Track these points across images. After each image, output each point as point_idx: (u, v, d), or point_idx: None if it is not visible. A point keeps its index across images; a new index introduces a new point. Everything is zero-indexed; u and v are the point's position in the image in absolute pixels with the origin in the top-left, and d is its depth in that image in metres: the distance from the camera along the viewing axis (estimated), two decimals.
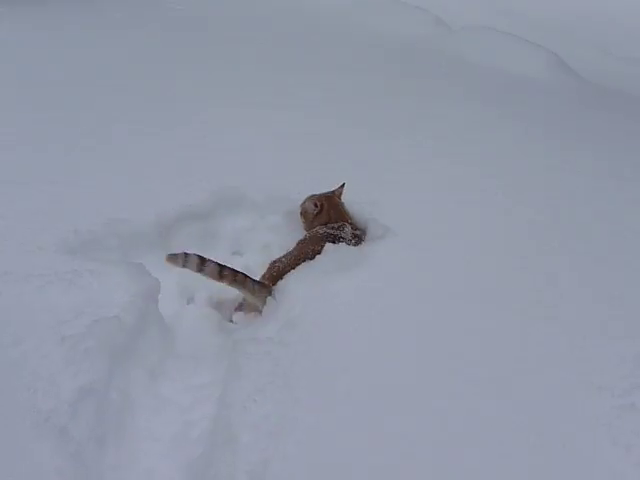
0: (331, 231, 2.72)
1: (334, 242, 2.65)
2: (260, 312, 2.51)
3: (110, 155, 3.22)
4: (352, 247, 2.66)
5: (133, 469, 1.94)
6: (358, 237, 2.77)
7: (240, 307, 2.63)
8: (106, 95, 3.99)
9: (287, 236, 2.87)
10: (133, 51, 4.84)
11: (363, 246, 2.67)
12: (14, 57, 4.58)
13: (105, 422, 1.96)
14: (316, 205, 2.83)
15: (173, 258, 2.41)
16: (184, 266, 2.41)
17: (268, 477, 1.77)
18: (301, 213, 2.90)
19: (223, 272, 2.43)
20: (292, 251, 2.70)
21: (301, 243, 2.73)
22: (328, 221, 2.83)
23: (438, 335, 2.25)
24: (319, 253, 2.60)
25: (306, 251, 2.64)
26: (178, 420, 2.11)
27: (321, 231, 2.73)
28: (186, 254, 2.42)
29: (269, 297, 2.49)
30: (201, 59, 4.66)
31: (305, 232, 2.87)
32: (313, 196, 2.87)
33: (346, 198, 2.87)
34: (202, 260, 2.41)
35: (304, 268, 2.55)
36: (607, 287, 2.51)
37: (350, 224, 2.83)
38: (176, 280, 2.64)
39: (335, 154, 3.23)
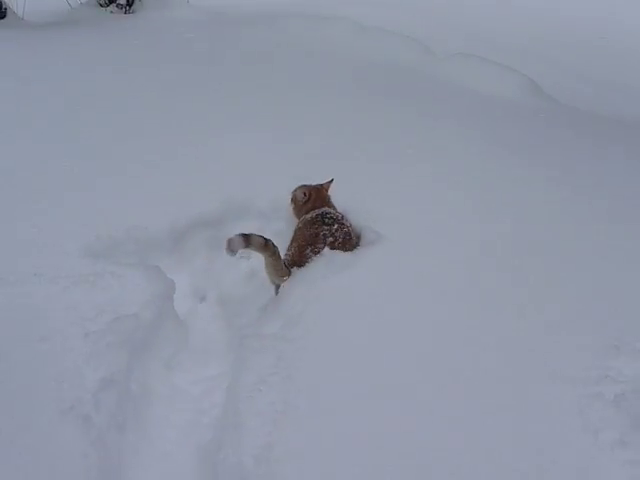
0: (319, 212, 2.75)
1: (324, 222, 2.67)
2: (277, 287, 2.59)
3: (128, 169, 3.27)
4: (347, 251, 2.66)
5: (150, 453, 1.99)
6: (346, 229, 2.73)
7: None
8: (124, 114, 4.03)
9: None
10: (149, 74, 4.87)
11: (358, 250, 2.68)
12: (44, 77, 4.62)
13: (125, 410, 2.02)
14: (305, 194, 2.87)
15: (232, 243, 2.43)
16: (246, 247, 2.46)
17: (272, 459, 1.82)
18: (291, 200, 2.93)
19: (267, 244, 2.49)
20: (294, 240, 2.71)
21: (298, 231, 2.74)
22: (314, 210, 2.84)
23: (425, 331, 2.28)
24: (317, 235, 2.63)
25: (305, 235, 2.66)
26: (191, 408, 2.16)
27: (308, 216, 2.75)
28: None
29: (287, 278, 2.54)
30: (212, 85, 4.68)
31: (295, 219, 2.90)
32: (304, 186, 2.92)
33: (342, 207, 2.88)
34: (246, 237, 2.45)
35: (304, 270, 2.56)
36: (577, 282, 2.53)
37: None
38: (189, 281, 2.69)
39: (331, 168, 3.25)
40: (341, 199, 2.89)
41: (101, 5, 6.88)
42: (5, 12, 6.09)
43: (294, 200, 2.92)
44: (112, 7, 6.77)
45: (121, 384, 2.05)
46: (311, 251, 2.60)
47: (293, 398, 2.00)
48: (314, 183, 2.93)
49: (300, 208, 2.89)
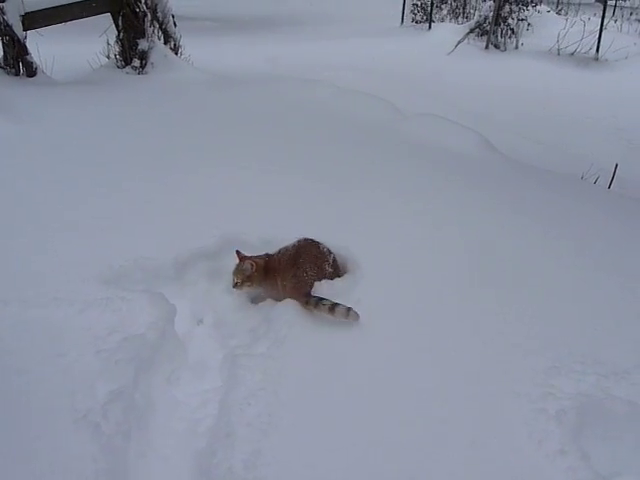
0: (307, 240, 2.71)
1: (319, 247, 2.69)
2: None
3: (138, 207, 3.26)
4: (328, 281, 2.64)
5: (152, 457, 1.95)
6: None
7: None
8: (134, 158, 4.03)
9: None
10: (155, 126, 4.88)
11: (337, 281, 2.67)
12: (66, 124, 4.62)
13: (130, 419, 1.98)
14: (251, 265, 2.64)
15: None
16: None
17: (260, 464, 1.81)
18: (244, 281, 2.66)
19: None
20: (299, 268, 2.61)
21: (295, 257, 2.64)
22: (266, 266, 2.69)
23: (397, 352, 2.27)
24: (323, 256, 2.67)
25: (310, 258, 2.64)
26: (188, 418, 2.12)
27: (302, 244, 2.69)
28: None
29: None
30: (209, 135, 4.71)
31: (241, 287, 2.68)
32: (238, 266, 2.68)
33: (326, 242, 2.86)
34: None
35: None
36: (525, 310, 2.54)
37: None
38: (188, 306, 2.65)
39: (315, 208, 3.27)
40: (320, 235, 2.87)
41: (118, 67, 6.89)
42: (35, 71, 6.08)
43: (245, 277, 2.65)
44: (128, 68, 6.79)
45: (128, 396, 2.02)
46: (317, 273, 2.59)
47: (278, 410, 1.99)
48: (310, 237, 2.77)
49: (251, 278, 2.66)
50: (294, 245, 2.71)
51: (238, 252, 2.72)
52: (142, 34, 6.84)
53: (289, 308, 2.48)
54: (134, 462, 1.89)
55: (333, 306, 2.38)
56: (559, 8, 15.93)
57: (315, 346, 2.29)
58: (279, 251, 2.75)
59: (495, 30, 12.08)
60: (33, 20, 6.16)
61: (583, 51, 11.17)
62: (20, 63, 6.01)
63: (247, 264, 2.64)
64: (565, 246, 3.13)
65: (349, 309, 2.36)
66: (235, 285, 2.67)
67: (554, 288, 2.73)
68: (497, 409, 2.03)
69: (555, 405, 2.01)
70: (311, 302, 2.45)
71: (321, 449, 1.88)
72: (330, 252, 2.72)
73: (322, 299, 2.43)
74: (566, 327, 2.46)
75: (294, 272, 2.60)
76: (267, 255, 2.76)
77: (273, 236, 2.95)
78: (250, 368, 2.16)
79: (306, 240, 2.72)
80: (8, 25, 5.79)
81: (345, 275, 2.73)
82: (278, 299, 2.63)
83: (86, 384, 2.01)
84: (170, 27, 7.45)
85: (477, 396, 2.08)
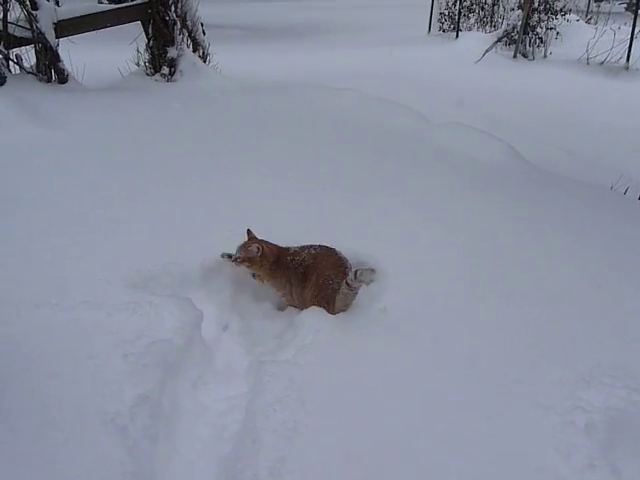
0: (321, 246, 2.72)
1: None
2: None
3: (166, 213, 3.29)
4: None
5: (178, 461, 1.97)
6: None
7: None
8: (162, 164, 4.08)
9: None
10: (185, 130, 4.94)
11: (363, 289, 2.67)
12: (96, 129, 4.69)
13: (157, 423, 2.00)
14: (258, 248, 2.65)
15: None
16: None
17: (285, 472, 1.81)
18: (244, 260, 2.68)
19: None
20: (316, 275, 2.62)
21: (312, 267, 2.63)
22: (276, 259, 2.70)
23: (423, 365, 2.27)
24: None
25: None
26: (214, 423, 2.13)
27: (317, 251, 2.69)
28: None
29: None
30: (236, 142, 4.74)
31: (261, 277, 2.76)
32: (245, 244, 2.71)
33: (351, 250, 2.86)
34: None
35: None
36: (552, 322, 2.53)
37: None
38: (215, 312, 2.67)
39: (339, 215, 3.28)
40: (345, 242, 2.87)
41: (147, 74, 6.98)
42: (67, 78, 6.18)
43: (249, 259, 2.68)
44: (157, 76, 6.87)
45: (155, 400, 2.04)
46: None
47: (303, 418, 1.99)
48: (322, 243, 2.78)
49: (260, 263, 2.68)
50: (310, 252, 2.70)
51: (249, 231, 2.78)
52: (171, 42, 6.92)
53: (315, 315, 2.49)
54: (160, 466, 1.90)
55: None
56: (589, 17, 15.76)
57: (341, 353, 2.29)
58: (293, 250, 2.75)
59: (523, 39, 12.01)
60: (65, 28, 6.26)
61: (613, 60, 11.02)
62: (52, 70, 6.11)
63: (254, 246, 2.66)
64: (592, 257, 3.09)
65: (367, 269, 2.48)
66: (235, 260, 2.69)
67: (580, 300, 2.71)
68: (524, 421, 2.01)
69: (584, 418, 1.99)
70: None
71: (346, 458, 1.88)
72: (346, 260, 2.70)
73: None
74: (595, 339, 2.43)
75: (316, 281, 2.60)
76: (280, 247, 2.77)
77: (297, 243, 2.95)
78: (276, 375, 2.16)
79: (321, 247, 2.72)
80: (41, 33, 5.90)
81: (372, 283, 2.73)
82: (285, 297, 2.72)
83: (114, 387, 2.03)
84: (199, 35, 7.53)
85: (504, 408, 2.06)
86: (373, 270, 2.51)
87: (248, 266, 2.70)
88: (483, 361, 2.28)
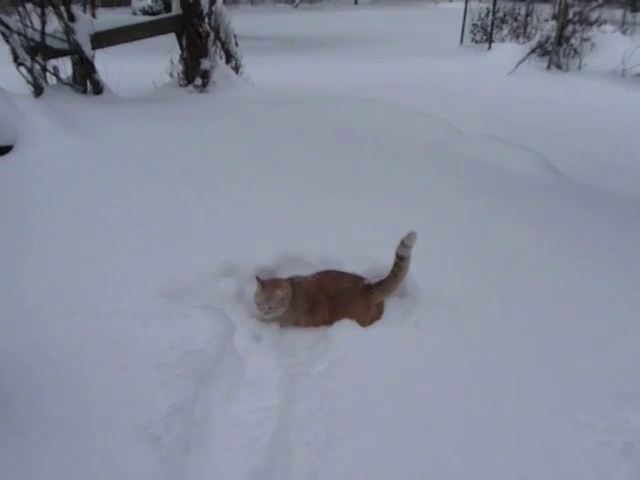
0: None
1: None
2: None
3: (197, 222, 3.34)
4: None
5: (210, 471, 1.97)
6: None
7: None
8: (194, 175, 4.12)
9: None
10: (218, 141, 4.99)
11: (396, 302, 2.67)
12: (129, 138, 4.77)
13: (190, 433, 2.01)
14: (282, 291, 2.59)
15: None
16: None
17: None
18: (275, 308, 2.59)
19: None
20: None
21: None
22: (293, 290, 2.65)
23: (455, 378, 2.25)
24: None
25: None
26: (245, 434, 2.13)
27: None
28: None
29: None
30: (268, 152, 4.78)
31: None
32: (267, 292, 2.59)
33: (377, 263, 2.85)
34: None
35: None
36: (591, 338, 2.49)
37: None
38: (248, 323, 2.67)
39: (371, 227, 3.27)
40: (378, 255, 2.86)
41: (180, 85, 7.08)
42: (102, 89, 6.30)
43: (277, 305, 2.59)
44: (190, 87, 6.97)
45: (187, 410, 2.05)
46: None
47: (336, 431, 1.98)
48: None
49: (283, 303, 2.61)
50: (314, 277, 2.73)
51: (258, 278, 2.62)
52: (205, 54, 7.02)
53: (347, 328, 2.48)
54: (192, 476, 1.91)
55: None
56: (624, 28, 15.57)
57: (373, 367, 2.28)
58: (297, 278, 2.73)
59: (557, 50, 11.91)
60: (101, 40, 6.39)
61: None
62: (88, 81, 6.24)
63: (278, 292, 2.56)
64: (628, 273, 3.04)
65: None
66: (267, 313, 2.58)
67: (618, 316, 2.66)
68: (560, 440, 1.97)
69: (622, 438, 1.95)
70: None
71: (377, 473, 1.86)
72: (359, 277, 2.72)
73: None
74: (633, 356, 2.39)
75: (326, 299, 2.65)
76: (286, 279, 2.71)
77: (332, 255, 2.96)
78: (308, 387, 2.16)
79: (327, 272, 2.76)
80: (78, 44, 6.03)
81: (405, 296, 2.72)
82: (297, 324, 2.69)
83: (147, 397, 2.05)
84: (232, 47, 7.63)
85: (539, 425, 2.03)
86: (414, 232, 2.51)
87: (282, 311, 2.61)
88: (517, 377, 2.24)
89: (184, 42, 7.08)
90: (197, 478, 1.91)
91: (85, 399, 2.04)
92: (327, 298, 2.65)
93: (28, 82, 5.84)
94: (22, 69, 5.83)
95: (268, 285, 2.59)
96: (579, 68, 11.85)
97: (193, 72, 7.00)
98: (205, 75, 6.98)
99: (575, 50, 12.10)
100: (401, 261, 2.57)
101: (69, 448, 1.87)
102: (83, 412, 2.00)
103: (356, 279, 2.70)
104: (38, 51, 5.97)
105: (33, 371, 2.14)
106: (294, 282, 2.68)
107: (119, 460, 1.84)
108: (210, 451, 2.03)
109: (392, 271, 2.60)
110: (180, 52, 7.15)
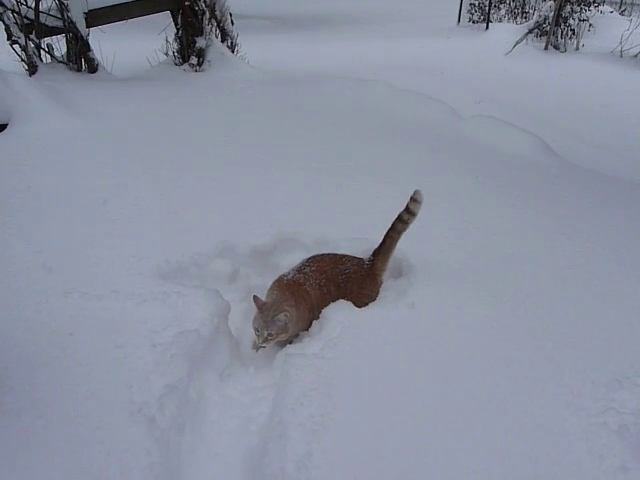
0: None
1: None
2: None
3: (191, 203, 3.31)
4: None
5: (204, 452, 1.97)
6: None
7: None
8: (189, 152, 4.08)
9: None
10: (213, 121, 4.95)
11: (391, 283, 2.66)
12: (125, 116, 4.71)
13: (184, 414, 2.00)
14: (286, 316, 2.32)
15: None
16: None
17: (311, 466, 1.78)
18: (277, 334, 2.33)
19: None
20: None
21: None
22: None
23: (449, 359, 2.23)
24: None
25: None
26: (240, 415, 2.13)
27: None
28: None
29: None
30: (265, 132, 4.73)
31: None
32: (267, 316, 2.31)
33: (374, 245, 2.83)
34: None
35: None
36: (587, 320, 2.48)
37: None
38: (243, 303, 2.66)
39: (365, 207, 3.25)
40: (372, 236, 2.83)
41: (176, 64, 7.01)
42: (97, 67, 6.24)
43: (280, 331, 2.34)
44: (185, 66, 6.90)
45: (182, 391, 2.04)
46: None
47: (330, 412, 1.96)
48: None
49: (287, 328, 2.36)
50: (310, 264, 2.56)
51: (256, 298, 2.36)
52: (200, 32, 6.94)
53: (342, 309, 2.46)
54: (186, 457, 1.91)
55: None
56: (622, 9, 15.44)
57: (368, 348, 2.26)
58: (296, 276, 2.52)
59: (555, 31, 11.79)
60: (95, 18, 6.31)
61: None
62: (82, 59, 6.17)
63: (281, 316, 2.30)
64: (627, 255, 3.03)
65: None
66: (266, 340, 2.32)
67: (613, 300, 2.65)
68: (555, 422, 1.96)
69: (617, 420, 1.93)
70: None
71: (372, 453, 1.85)
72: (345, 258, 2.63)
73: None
74: (628, 339, 2.38)
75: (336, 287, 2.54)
76: (288, 284, 2.47)
77: (326, 236, 2.94)
78: (303, 368, 2.13)
79: (322, 257, 2.62)
80: (72, 22, 5.95)
81: (400, 278, 2.71)
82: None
83: (142, 377, 2.03)
84: (227, 25, 7.54)
85: (535, 408, 2.02)
86: (419, 190, 2.54)
87: (283, 337, 2.37)
88: (513, 360, 2.23)
89: (179, 20, 6.99)
90: (191, 459, 1.91)
91: (79, 380, 2.02)
92: (336, 286, 2.53)
93: (22, 60, 5.77)
94: (16, 47, 5.76)
95: (268, 307, 2.33)
96: (577, 49, 11.74)
97: (188, 51, 6.94)
98: (200, 54, 6.91)
99: (573, 31, 11.99)
100: (412, 217, 2.56)
101: (63, 429, 1.85)
102: (77, 393, 1.98)
103: (356, 260, 2.64)
104: (32, 29, 5.89)
105: (26, 351, 2.11)
106: (298, 292, 2.43)
107: (113, 440, 1.83)
108: (205, 432, 2.02)
109: (395, 230, 2.57)
110: (175, 31, 7.07)
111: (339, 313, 2.43)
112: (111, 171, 3.66)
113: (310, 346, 2.30)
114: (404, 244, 2.78)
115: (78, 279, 2.53)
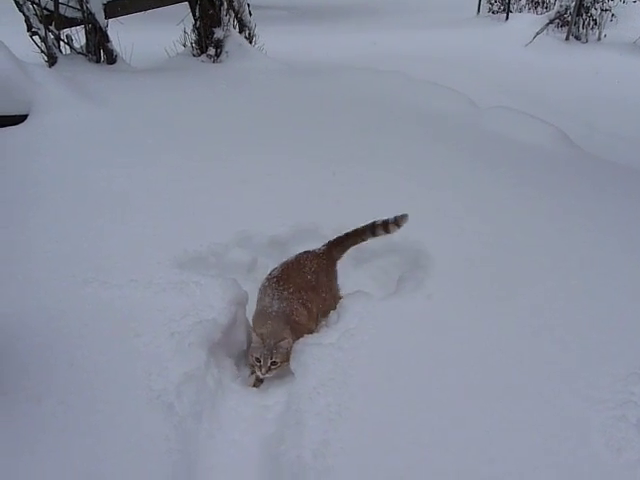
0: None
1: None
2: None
3: (209, 194, 3.32)
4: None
5: (222, 439, 1.99)
6: None
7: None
8: (205, 144, 4.10)
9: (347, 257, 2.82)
10: (230, 111, 4.94)
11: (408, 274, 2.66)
12: (142, 108, 4.74)
13: (202, 401, 2.03)
14: (288, 342, 2.21)
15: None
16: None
17: (328, 454, 1.80)
18: (282, 362, 2.20)
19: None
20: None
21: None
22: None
23: (469, 349, 2.23)
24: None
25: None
26: (257, 403, 2.15)
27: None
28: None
29: None
30: (282, 123, 4.73)
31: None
32: (269, 344, 2.17)
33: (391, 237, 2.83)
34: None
35: (360, 291, 2.55)
36: (606, 313, 2.46)
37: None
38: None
39: (382, 198, 3.25)
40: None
41: (194, 55, 7.01)
42: (116, 58, 6.25)
43: (284, 358, 2.20)
44: (203, 57, 6.89)
45: (200, 378, 2.07)
46: None
47: (347, 401, 1.98)
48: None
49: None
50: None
51: (254, 329, 2.28)
52: (218, 23, 6.92)
53: (360, 300, 2.46)
54: (204, 443, 1.93)
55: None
56: None
57: (386, 338, 2.27)
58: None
59: (577, 21, 11.63)
60: (114, 9, 6.33)
61: None
62: (101, 50, 6.19)
63: (284, 343, 2.19)
64: None
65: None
66: (269, 370, 2.17)
67: (633, 293, 2.62)
68: (573, 414, 1.96)
69: (636, 413, 1.93)
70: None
71: (388, 443, 1.87)
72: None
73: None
74: None
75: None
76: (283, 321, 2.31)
77: (344, 226, 2.93)
78: (320, 358, 2.15)
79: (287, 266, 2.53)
80: (91, 13, 5.97)
81: (417, 268, 2.71)
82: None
83: (160, 365, 2.06)
84: (245, 16, 7.51)
85: (553, 400, 2.01)
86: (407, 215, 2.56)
87: (286, 365, 2.22)
88: (530, 352, 2.23)
89: (197, 11, 6.98)
90: (209, 446, 1.93)
91: (99, 367, 2.05)
92: (313, 290, 2.45)
93: (42, 52, 5.81)
94: (36, 38, 5.80)
95: (268, 336, 2.20)
96: (598, 40, 11.58)
97: (206, 42, 6.92)
98: (218, 45, 6.90)
99: (595, 21, 11.81)
100: (383, 233, 2.59)
101: (83, 414, 1.88)
102: (97, 379, 2.01)
103: (309, 254, 2.56)
104: (52, 20, 5.92)
105: (47, 339, 2.15)
106: (288, 321, 2.31)
107: (132, 427, 1.86)
108: (222, 419, 2.04)
109: (364, 233, 2.60)
110: (193, 21, 7.06)
111: (357, 304, 2.43)
112: (130, 161, 3.68)
113: (327, 336, 2.31)
114: (421, 235, 2.79)
115: (97, 268, 2.55)
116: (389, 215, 2.62)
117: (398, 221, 2.56)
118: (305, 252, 2.59)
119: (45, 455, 1.76)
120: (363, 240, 2.63)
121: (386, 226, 2.57)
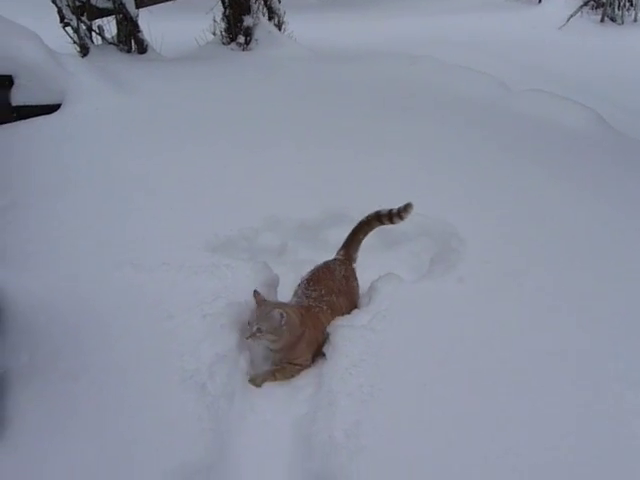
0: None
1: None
2: None
3: (240, 179, 3.33)
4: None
5: (253, 419, 2.00)
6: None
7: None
8: (237, 133, 4.09)
9: (374, 240, 2.76)
10: (260, 99, 4.94)
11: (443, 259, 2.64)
12: (175, 97, 4.75)
13: (234, 382, 2.04)
14: (281, 315, 2.09)
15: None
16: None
17: (360, 435, 1.80)
18: (268, 332, 2.10)
19: None
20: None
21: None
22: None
23: (499, 336, 2.21)
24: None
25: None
26: (289, 384, 2.15)
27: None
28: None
29: None
30: (312, 110, 4.71)
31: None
32: (263, 311, 2.13)
33: (425, 220, 2.80)
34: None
35: (391, 273, 2.52)
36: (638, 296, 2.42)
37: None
38: (290, 276, 2.66)
39: (413, 183, 3.22)
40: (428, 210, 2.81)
41: (223, 43, 7.03)
42: (146, 48, 6.31)
43: (271, 329, 2.10)
44: (233, 45, 6.91)
45: (232, 359, 2.08)
46: None
47: (379, 382, 1.98)
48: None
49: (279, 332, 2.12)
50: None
51: (256, 293, 2.22)
52: (247, 11, 6.93)
53: (392, 282, 2.45)
54: (236, 424, 1.94)
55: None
56: None
57: (417, 320, 2.25)
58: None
59: (612, 2, 11.35)
60: None
61: None
62: (132, 40, 6.25)
63: (275, 312, 2.09)
64: None
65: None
66: (253, 334, 2.09)
67: None
68: (609, 397, 1.93)
69: None
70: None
71: (420, 424, 1.85)
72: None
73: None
74: None
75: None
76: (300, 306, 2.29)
77: (372, 210, 2.92)
78: (352, 339, 2.14)
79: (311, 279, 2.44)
80: (122, 4, 6.03)
81: (449, 251, 2.68)
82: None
83: (192, 346, 2.07)
84: (274, 3, 7.50)
85: (587, 383, 1.99)
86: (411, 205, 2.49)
87: (273, 340, 2.13)
88: (562, 335, 2.20)
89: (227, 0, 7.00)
90: (241, 426, 1.94)
91: (132, 348, 2.07)
92: (343, 294, 2.42)
93: (74, 42, 5.88)
94: (68, 29, 5.87)
95: (268, 304, 2.19)
96: (635, 21, 11.30)
97: (236, 30, 6.93)
98: (248, 33, 6.90)
99: (631, 2, 11.51)
100: (388, 223, 2.53)
101: (117, 393, 1.91)
102: (130, 360, 2.03)
103: (337, 260, 2.53)
104: (83, 11, 5.99)
105: (80, 321, 2.17)
106: (308, 313, 2.27)
107: (165, 406, 1.87)
108: (254, 400, 2.05)
109: (375, 225, 2.56)
110: (222, 10, 7.08)
111: (388, 286, 2.42)
112: (161, 148, 3.70)
113: (359, 318, 2.30)
114: (453, 217, 2.75)
115: (129, 252, 2.57)
116: (420, 197, 2.59)
117: (401, 213, 2.49)
118: (328, 261, 2.52)
119: (78, 434, 1.78)
120: (372, 230, 2.58)
121: (390, 217, 2.52)
